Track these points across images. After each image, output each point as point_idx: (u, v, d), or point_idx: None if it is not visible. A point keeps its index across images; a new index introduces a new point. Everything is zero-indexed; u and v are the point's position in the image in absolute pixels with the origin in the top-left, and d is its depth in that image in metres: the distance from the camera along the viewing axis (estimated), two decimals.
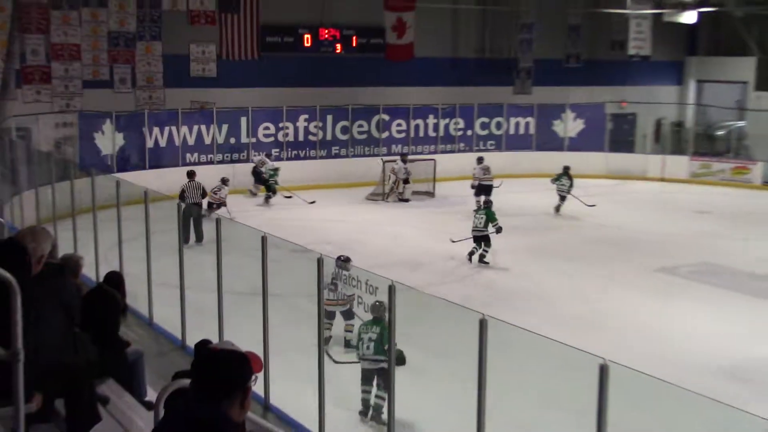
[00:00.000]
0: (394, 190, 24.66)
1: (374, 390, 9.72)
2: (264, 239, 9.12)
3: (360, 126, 28.07)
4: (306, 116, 27.11)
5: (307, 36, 27.40)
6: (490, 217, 17.78)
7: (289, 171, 25.26)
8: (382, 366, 9.47)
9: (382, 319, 9.57)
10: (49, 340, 5.08)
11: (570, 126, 30.65)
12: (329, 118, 27.53)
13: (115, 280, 8.30)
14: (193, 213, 16.76)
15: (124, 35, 24.94)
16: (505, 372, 8.26)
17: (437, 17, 28.95)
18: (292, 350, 10.06)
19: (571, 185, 23.10)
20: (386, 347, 9.37)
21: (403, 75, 28.70)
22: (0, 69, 22.64)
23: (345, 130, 27.80)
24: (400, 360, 9.27)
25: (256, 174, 24.68)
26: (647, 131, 32.12)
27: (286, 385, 9.42)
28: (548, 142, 30.26)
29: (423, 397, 9.84)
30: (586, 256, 18.57)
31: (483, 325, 6.54)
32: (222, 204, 20.83)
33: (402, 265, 16.49)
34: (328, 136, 27.56)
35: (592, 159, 28.34)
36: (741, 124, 31.56)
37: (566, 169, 23.37)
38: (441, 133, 29.24)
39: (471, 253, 17.73)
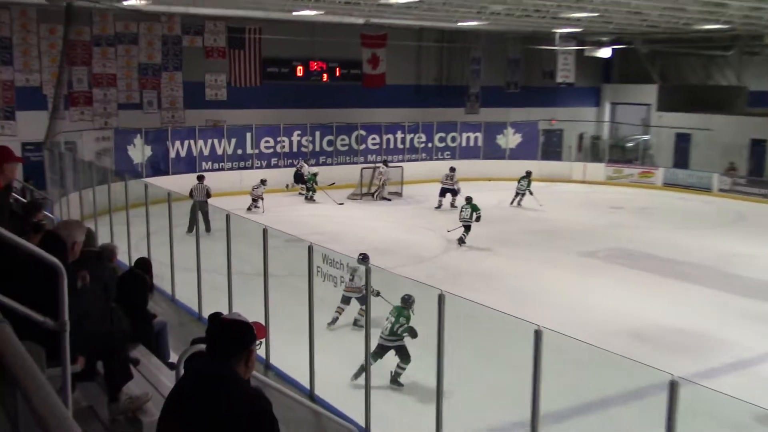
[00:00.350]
0: (379, 190, 24.66)
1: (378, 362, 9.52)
2: (265, 231, 9.06)
3: (342, 140, 27.98)
4: (299, 132, 27.00)
5: (299, 67, 27.30)
6: (474, 209, 18.19)
7: (286, 176, 25.33)
8: (397, 344, 9.45)
9: (404, 308, 9.52)
10: (90, 312, 5.03)
11: (510, 139, 30.70)
12: (317, 133, 27.41)
13: (144, 264, 8.21)
14: (200, 208, 16.65)
15: (151, 66, 24.77)
16: (459, 337, 8.26)
17: (404, 52, 28.97)
18: (290, 321, 9.99)
19: (528, 185, 23.49)
20: (397, 329, 9.37)
21: (377, 99, 28.72)
22: (51, 94, 22.49)
23: (330, 143, 27.72)
24: (413, 334, 9.31)
25: (298, 175, 24.83)
26: (572, 143, 32.24)
27: (284, 349, 9.38)
28: (493, 152, 30.34)
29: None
30: (524, 243, 18.64)
31: (441, 299, 6.54)
32: (260, 198, 21.54)
33: (376, 251, 16.36)
34: (317, 148, 27.45)
35: (528, 166, 28.29)
36: (646, 137, 31.84)
37: (528, 173, 23.87)
38: (407, 145, 29.20)
39: (461, 239, 18.11)
